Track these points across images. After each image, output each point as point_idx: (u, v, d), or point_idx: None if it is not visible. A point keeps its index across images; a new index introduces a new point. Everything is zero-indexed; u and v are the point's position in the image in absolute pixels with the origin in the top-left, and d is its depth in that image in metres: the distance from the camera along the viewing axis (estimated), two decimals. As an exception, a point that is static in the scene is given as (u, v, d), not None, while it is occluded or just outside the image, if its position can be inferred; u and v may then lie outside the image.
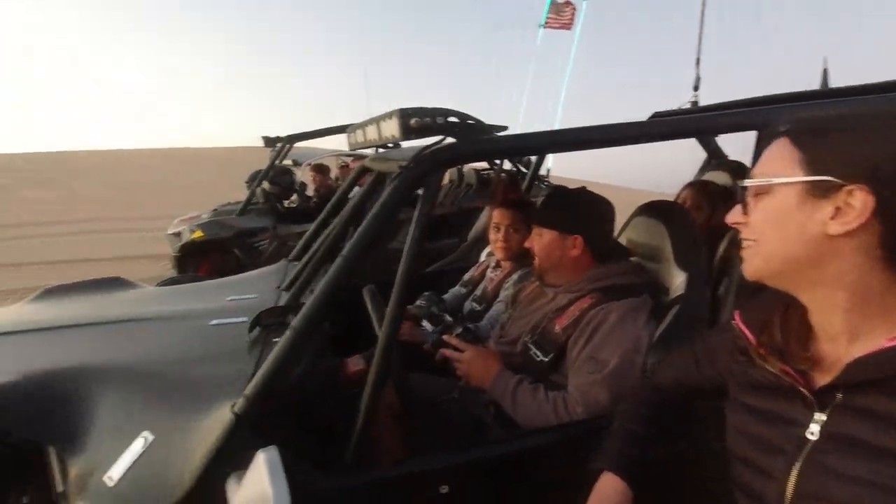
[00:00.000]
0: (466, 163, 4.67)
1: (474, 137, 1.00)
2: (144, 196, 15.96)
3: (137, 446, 0.88)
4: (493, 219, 2.18)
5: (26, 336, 1.29)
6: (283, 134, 4.87)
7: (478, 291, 2.28)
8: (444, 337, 1.40)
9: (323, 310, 0.96)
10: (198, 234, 4.44)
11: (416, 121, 0.93)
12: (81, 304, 1.57)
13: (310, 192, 6.30)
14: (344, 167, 6.70)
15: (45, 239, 9.05)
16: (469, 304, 2.24)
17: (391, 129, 0.98)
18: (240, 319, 1.32)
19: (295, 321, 0.94)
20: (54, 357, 1.15)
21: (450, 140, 1.03)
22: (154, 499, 0.83)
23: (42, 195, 16.85)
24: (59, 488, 0.90)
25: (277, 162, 5.12)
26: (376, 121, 1.06)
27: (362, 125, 1.20)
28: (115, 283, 1.82)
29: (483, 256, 2.64)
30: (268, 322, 1.25)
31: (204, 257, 4.58)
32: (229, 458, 0.84)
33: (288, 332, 0.94)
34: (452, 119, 0.96)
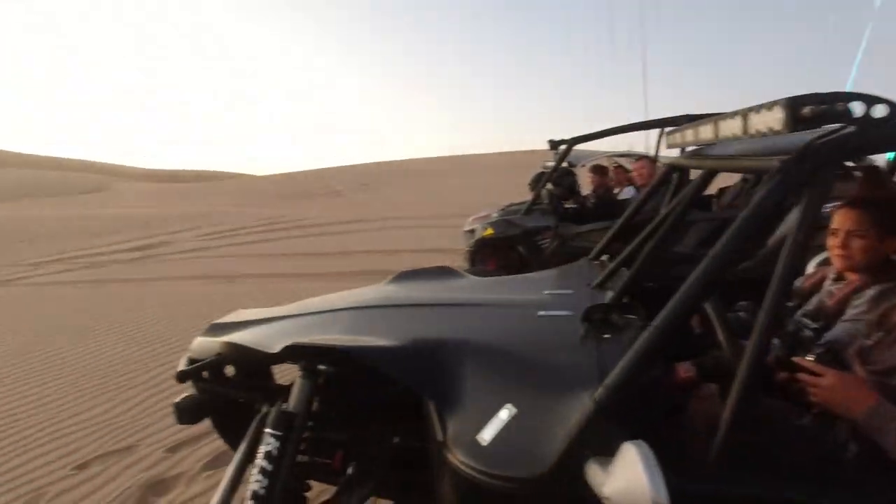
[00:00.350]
0: (868, 154, 3.94)
1: (883, 124, 0.83)
2: (438, 198, 18.44)
3: (503, 416, 1.02)
4: (833, 222, 1.82)
5: (399, 310, 1.63)
6: (559, 137, 5.01)
7: (810, 306, 1.93)
8: (796, 359, 1.21)
9: (687, 312, 0.95)
10: (489, 231, 4.91)
11: (810, 109, 0.82)
12: (429, 286, 1.90)
13: (582, 192, 6.32)
14: (617, 167, 6.54)
15: (366, 233, 11.28)
16: (797, 321, 1.92)
17: (769, 120, 0.88)
18: (565, 312, 1.40)
19: (657, 320, 0.95)
20: (428, 328, 1.42)
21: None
22: (520, 466, 0.94)
23: (365, 198, 21.08)
24: (439, 438, 1.10)
25: (551, 164, 5.28)
26: (741, 113, 0.98)
27: (713, 120, 1.12)
28: (447, 272, 2.14)
29: (811, 267, 2.24)
30: (595, 318, 1.30)
31: (492, 253, 5.04)
32: (587, 442, 0.90)
33: (649, 331, 0.95)
34: (855, 104, 0.82)
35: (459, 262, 7.32)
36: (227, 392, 1.69)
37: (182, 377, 1.56)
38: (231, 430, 1.80)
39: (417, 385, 1.19)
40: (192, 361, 1.64)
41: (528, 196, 5.61)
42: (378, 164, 41.62)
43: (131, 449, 2.92)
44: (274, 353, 1.35)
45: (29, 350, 4.73)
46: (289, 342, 1.32)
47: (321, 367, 1.33)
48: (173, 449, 2.88)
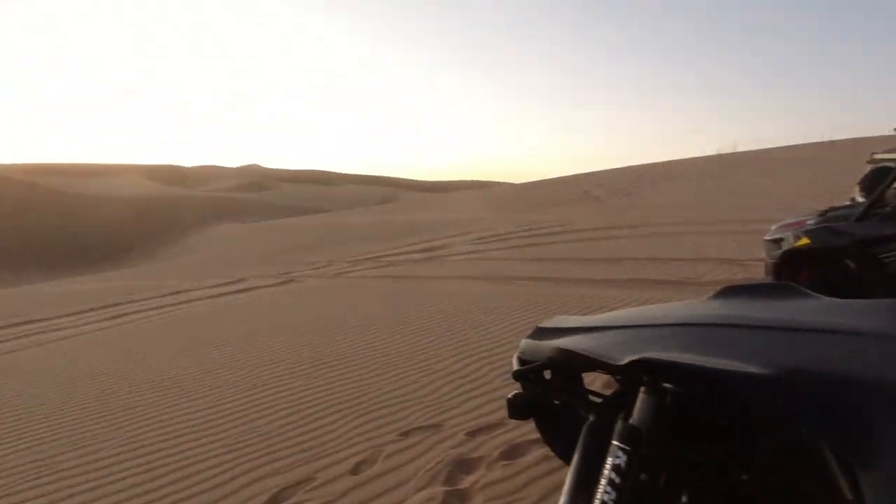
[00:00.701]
0: None
1: None
2: (709, 201, 16.54)
3: None
4: None
5: (753, 331, 1.46)
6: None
7: None
8: None
9: None
10: (803, 241, 4.13)
11: None
12: (775, 306, 1.66)
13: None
14: None
15: (632, 239, 10.78)
16: None
17: None
18: None
19: None
20: (806, 356, 1.23)
21: None
22: None
23: (626, 203, 20.25)
24: (848, 496, 0.91)
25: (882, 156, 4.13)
26: None
27: None
28: (789, 290, 1.83)
29: None
30: None
31: (804, 266, 4.24)
32: None
33: None
34: None
35: (751, 273, 6.39)
36: (548, 394, 1.76)
37: (518, 377, 1.69)
38: (550, 431, 1.87)
39: (810, 424, 1.02)
40: (522, 362, 1.76)
41: (837, 198, 4.54)
42: (634, 168, 39.59)
43: (439, 427, 3.34)
44: (620, 365, 1.34)
45: (364, 331, 5.89)
46: (635, 356, 1.29)
47: (666, 385, 1.26)
48: (473, 433, 3.20)
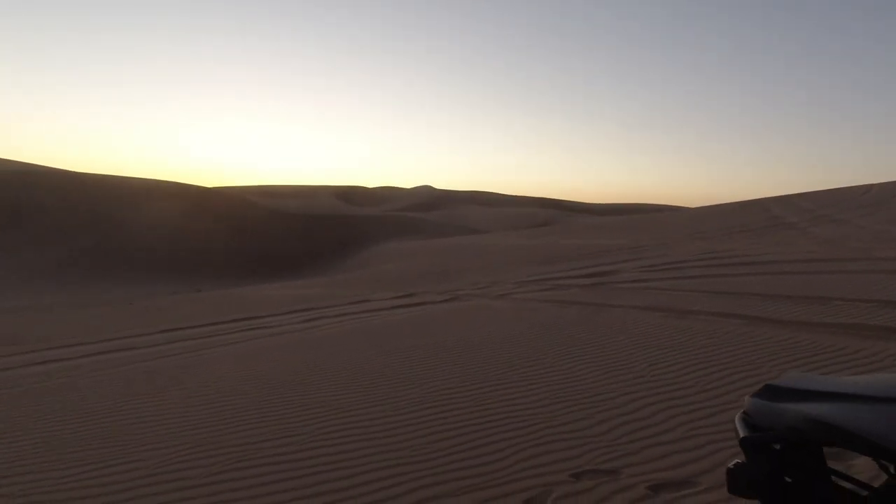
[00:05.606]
0: None
1: None
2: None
3: None
4: None
5: None
6: None
7: None
8: None
9: None
10: None
11: None
12: None
13: None
14: None
15: (845, 275, 9.07)
16: None
17: None
18: None
19: None
20: None
21: None
22: None
23: (832, 232, 17.26)
24: None
25: None
26: None
27: None
28: None
29: None
30: None
31: None
32: None
33: None
34: None
35: None
36: (782, 469, 1.49)
37: (748, 445, 1.45)
38: None
39: None
40: (750, 426, 1.52)
41: None
42: (837, 191, 33.61)
43: (615, 473, 3.10)
44: None
45: (538, 356, 5.81)
46: None
47: None
48: (655, 488, 2.90)
